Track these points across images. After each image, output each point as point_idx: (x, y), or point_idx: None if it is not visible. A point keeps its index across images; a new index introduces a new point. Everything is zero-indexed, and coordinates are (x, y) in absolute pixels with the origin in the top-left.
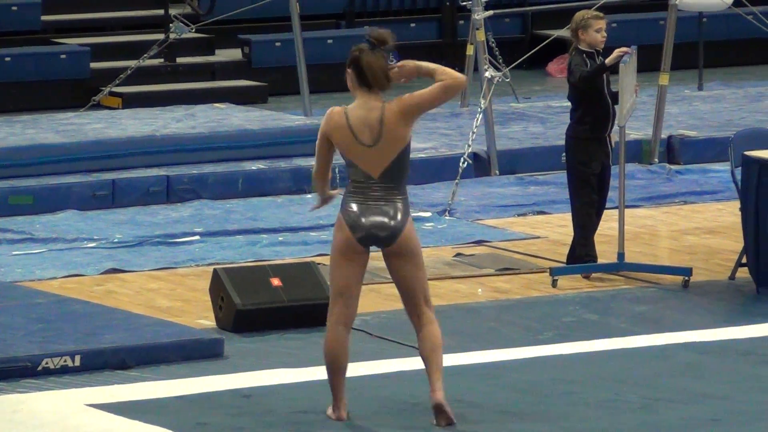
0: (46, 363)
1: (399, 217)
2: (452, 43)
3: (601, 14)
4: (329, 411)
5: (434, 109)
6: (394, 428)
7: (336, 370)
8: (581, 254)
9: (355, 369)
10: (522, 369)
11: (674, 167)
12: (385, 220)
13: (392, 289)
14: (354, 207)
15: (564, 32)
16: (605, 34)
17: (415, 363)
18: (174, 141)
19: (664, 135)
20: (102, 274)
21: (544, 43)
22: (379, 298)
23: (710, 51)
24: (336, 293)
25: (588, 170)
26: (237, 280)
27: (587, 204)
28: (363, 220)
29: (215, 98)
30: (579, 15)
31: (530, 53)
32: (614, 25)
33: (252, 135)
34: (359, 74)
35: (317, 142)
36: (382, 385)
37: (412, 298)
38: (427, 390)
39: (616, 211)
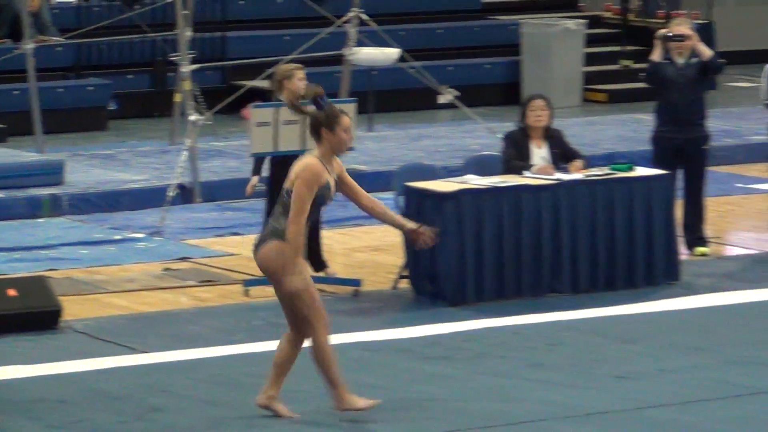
0: None
1: None
2: (163, 91)
3: (302, 66)
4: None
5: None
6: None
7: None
8: None
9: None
10: (218, 364)
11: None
12: None
13: (110, 298)
14: None
15: (257, 82)
16: (306, 83)
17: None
18: None
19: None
20: None
21: (240, 91)
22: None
23: (380, 99)
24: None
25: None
26: None
27: None
28: None
29: None
30: (284, 68)
31: (228, 100)
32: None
33: None
34: None
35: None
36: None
37: None
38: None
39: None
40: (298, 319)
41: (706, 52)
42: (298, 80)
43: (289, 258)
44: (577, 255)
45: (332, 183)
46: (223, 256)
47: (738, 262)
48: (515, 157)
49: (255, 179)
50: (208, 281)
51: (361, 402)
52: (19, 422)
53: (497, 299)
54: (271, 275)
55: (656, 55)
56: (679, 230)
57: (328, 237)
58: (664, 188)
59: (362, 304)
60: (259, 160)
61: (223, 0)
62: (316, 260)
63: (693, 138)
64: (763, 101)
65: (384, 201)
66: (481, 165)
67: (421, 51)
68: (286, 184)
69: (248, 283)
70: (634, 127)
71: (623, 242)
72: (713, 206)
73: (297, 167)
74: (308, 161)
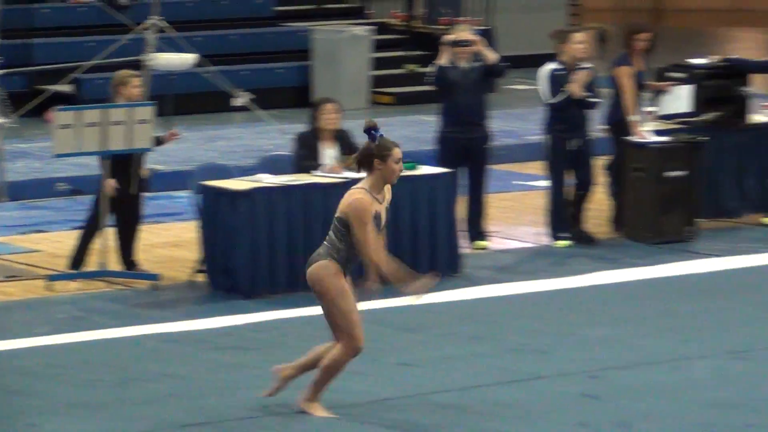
0: None
1: None
2: None
3: (138, 73)
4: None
5: None
6: None
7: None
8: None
9: None
10: (21, 356)
11: (146, 194)
12: None
13: None
14: None
15: (60, 87)
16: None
17: None
18: None
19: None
20: None
21: (43, 95)
22: None
23: (178, 102)
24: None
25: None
26: None
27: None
28: None
29: None
30: (120, 74)
31: (33, 103)
32: (102, 81)
33: None
34: None
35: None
36: None
37: None
38: None
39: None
40: (333, 328)
41: (491, 56)
42: (133, 87)
43: (330, 272)
44: None
45: (383, 212)
46: (27, 253)
47: (516, 255)
48: (306, 157)
49: (112, 181)
50: (12, 276)
51: (322, 412)
52: None
53: (289, 291)
54: (316, 291)
55: (443, 60)
56: (462, 225)
57: None
58: (447, 186)
59: (160, 297)
60: (108, 161)
61: (28, 8)
62: (127, 261)
63: (476, 138)
64: (546, 102)
65: (179, 199)
66: (273, 165)
67: (216, 56)
68: (337, 213)
69: (52, 278)
70: (419, 128)
71: (408, 236)
72: (493, 202)
73: (346, 201)
74: (357, 197)
